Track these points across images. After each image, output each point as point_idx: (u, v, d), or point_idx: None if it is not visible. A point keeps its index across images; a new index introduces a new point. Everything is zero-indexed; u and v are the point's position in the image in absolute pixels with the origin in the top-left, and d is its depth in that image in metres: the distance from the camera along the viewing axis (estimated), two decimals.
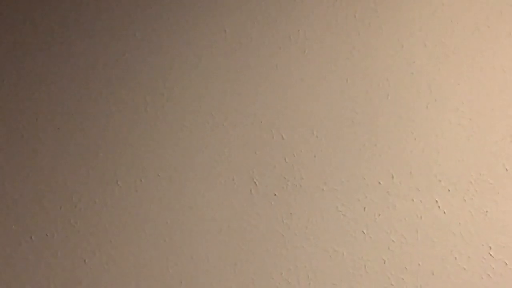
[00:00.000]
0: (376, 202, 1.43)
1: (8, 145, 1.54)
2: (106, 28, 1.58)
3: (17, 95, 1.57)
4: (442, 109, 1.45)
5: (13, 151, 1.54)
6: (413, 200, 1.42)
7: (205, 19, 1.56)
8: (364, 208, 1.43)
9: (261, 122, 1.50)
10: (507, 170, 1.40)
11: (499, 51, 1.45)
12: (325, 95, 1.49)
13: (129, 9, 1.58)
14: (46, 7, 1.60)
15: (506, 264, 1.38)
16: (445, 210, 1.41)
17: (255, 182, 1.47)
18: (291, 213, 1.45)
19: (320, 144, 1.47)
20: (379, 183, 1.44)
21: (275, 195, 1.46)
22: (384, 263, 1.41)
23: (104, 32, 1.58)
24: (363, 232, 1.43)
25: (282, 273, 1.44)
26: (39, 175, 1.52)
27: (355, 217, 1.43)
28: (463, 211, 1.40)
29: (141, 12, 1.58)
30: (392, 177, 1.43)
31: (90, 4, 1.60)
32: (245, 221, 1.46)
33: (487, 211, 1.40)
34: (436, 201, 1.42)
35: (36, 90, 1.57)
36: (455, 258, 1.39)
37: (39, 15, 1.60)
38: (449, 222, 1.40)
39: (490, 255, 1.38)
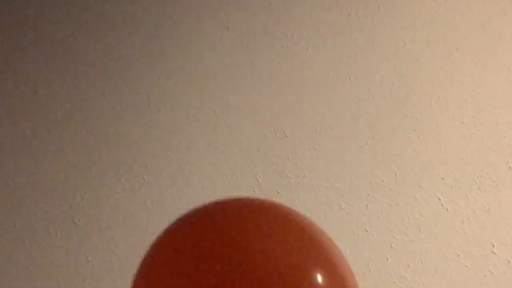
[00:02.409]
0: (379, 199, 1.43)
1: (11, 144, 1.55)
2: (109, 26, 1.58)
3: (19, 93, 1.57)
4: (446, 107, 1.45)
5: (17, 149, 1.54)
6: (416, 197, 1.42)
7: (207, 17, 1.56)
8: (367, 205, 1.43)
9: (264, 120, 1.50)
10: (510, 167, 1.40)
11: (502, 49, 1.45)
12: (328, 93, 1.49)
13: (131, 6, 1.58)
14: (47, 5, 1.61)
15: (509, 262, 1.38)
16: (448, 208, 1.41)
17: (258, 180, 1.47)
18: None
19: (323, 142, 1.47)
20: (382, 181, 1.44)
21: (278, 192, 1.47)
22: (387, 260, 1.41)
23: (107, 30, 1.58)
24: (366, 229, 1.43)
25: None
26: (42, 174, 1.53)
27: (358, 214, 1.43)
28: (466, 209, 1.40)
29: (144, 10, 1.58)
30: (395, 175, 1.43)
31: (92, 1, 1.60)
32: None
33: (490, 209, 1.40)
34: (439, 199, 1.41)
35: (38, 88, 1.57)
36: (458, 255, 1.39)
37: (40, 13, 1.61)
38: (452, 219, 1.40)
39: (493, 252, 1.38)
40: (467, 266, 1.39)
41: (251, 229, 0.64)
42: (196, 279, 0.60)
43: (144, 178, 1.50)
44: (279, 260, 0.60)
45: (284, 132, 1.49)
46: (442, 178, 1.42)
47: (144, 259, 0.72)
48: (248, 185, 1.47)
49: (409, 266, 1.41)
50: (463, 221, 1.40)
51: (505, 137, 1.41)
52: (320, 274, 0.63)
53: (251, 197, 0.74)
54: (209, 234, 0.65)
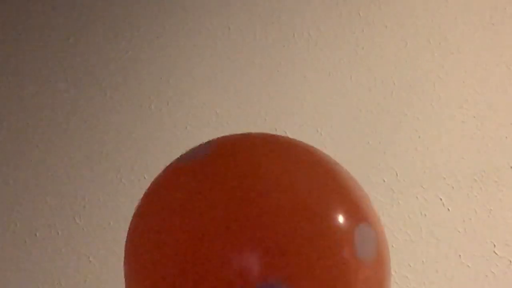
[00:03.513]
0: (380, 199, 1.43)
1: (12, 143, 1.55)
2: (109, 26, 1.58)
3: (20, 92, 1.57)
4: (447, 107, 1.44)
5: (17, 148, 1.54)
6: (417, 197, 1.42)
7: (208, 16, 1.56)
8: None
9: (264, 119, 1.50)
10: (511, 167, 1.40)
11: (503, 49, 1.45)
12: (329, 93, 1.49)
13: (132, 6, 1.59)
14: (48, 5, 1.61)
15: (511, 262, 1.37)
16: (449, 208, 1.41)
17: None
18: None
19: (324, 142, 1.47)
20: (383, 181, 1.43)
21: None
22: None
23: (108, 30, 1.58)
24: None
25: None
26: (43, 173, 1.53)
27: None
28: (467, 208, 1.40)
29: (144, 10, 1.58)
30: (396, 175, 1.43)
31: (93, 1, 1.60)
32: None
33: (491, 209, 1.39)
34: (440, 199, 1.41)
35: (40, 87, 1.57)
36: (459, 255, 1.39)
37: (41, 13, 1.61)
38: (453, 219, 1.40)
39: (495, 253, 1.38)
40: (468, 266, 1.39)
41: (264, 161, 0.61)
42: (205, 214, 0.57)
43: (144, 178, 1.50)
44: (297, 195, 0.58)
45: (285, 132, 1.49)
46: (443, 178, 1.42)
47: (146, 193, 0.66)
48: None
49: (410, 266, 1.41)
50: (464, 221, 1.40)
51: (506, 137, 1.41)
52: (341, 214, 0.59)
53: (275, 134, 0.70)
54: (222, 168, 0.61)
